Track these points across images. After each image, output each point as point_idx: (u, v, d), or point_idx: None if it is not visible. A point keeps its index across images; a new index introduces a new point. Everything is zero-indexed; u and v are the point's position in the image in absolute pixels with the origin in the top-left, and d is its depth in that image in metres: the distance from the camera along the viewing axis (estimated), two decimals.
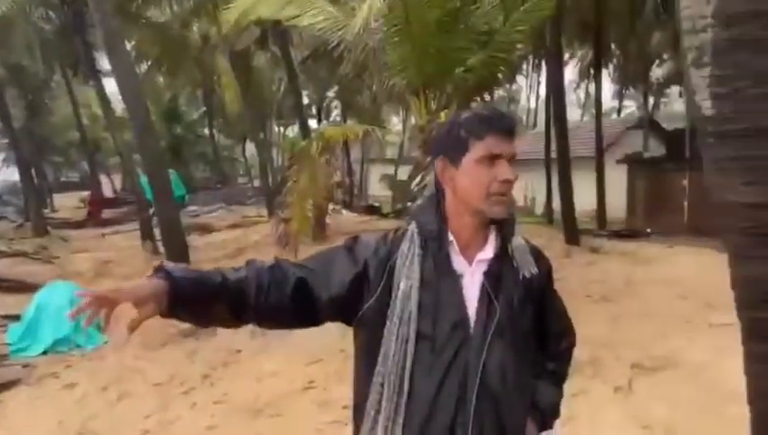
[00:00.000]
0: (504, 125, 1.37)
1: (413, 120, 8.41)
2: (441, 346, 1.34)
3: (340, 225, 13.26)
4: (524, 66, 23.74)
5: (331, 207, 14.33)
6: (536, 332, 1.52)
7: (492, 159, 1.35)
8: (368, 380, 1.38)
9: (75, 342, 6.39)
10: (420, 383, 1.34)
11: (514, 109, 38.61)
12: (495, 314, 1.37)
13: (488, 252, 1.41)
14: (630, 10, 14.53)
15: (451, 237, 1.41)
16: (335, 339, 5.30)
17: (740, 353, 2.25)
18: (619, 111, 28.13)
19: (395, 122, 33.53)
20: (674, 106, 31.32)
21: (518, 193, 21.48)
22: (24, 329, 6.53)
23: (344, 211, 17.06)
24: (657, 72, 23.67)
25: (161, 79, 22.00)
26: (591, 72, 19.64)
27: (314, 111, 28.07)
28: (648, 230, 13.67)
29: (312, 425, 4.13)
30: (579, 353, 1.78)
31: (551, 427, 1.60)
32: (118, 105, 14.19)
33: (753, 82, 1.91)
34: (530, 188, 21.07)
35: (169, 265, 1.31)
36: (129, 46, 13.20)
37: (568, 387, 1.73)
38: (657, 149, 19.91)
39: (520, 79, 30.17)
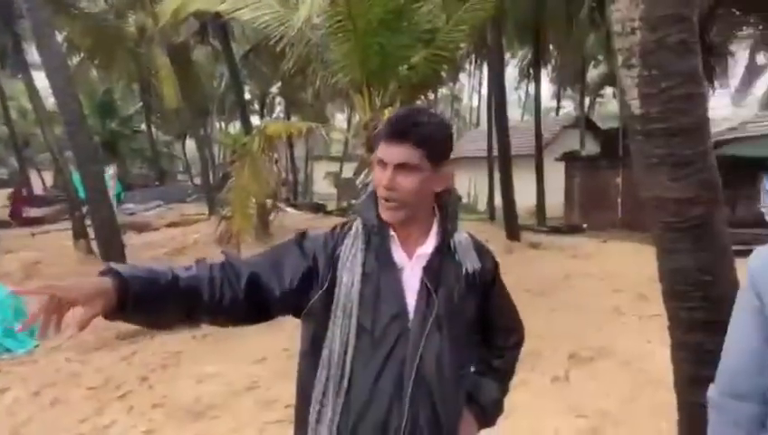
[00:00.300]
0: (391, 130, 1.36)
1: (358, 118, 8.41)
2: (380, 338, 1.36)
3: (284, 223, 13.11)
4: (468, 65, 24.13)
5: (273, 204, 14.18)
6: (480, 326, 1.55)
7: (381, 163, 1.37)
8: (312, 373, 1.38)
9: (4, 346, 6.08)
10: (360, 375, 1.35)
11: (458, 107, 39.25)
12: (434, 308, 1.39)
13: (428, 247, 1.43)
14: (567, 12, 15.01)
15: (392, 232, 1.42)
16: (279, 338, 5.25)
17: (669, 343, 2.36)
18: (557, 111, 29.02)
19: (340, 119, 33.47)
20: (609, 106, 32.59)
21: (462, 190, 21.93)
22: None
23: (289, 209, 16.88)
24: (592, 74, 24.55)
25: (95, 72, 21.16)
26: (531, 72, 20.17)
27: (257, 106, 27.65)
28: (585, 226, 14.19)
29: (256, 425, 4.08)
30: None
31: (493, 423, 1.62)
32: (48, 99, 13.58)
33: (677, 82, 2.01)
34: (473, 185, 21.49)
35: (117, 265, 1.26)
36: (60, 38, 12.74)
37: None
38: (593, 147, 20.70)
39: (464, 77, 30.74)
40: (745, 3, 14.09)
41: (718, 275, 2.11)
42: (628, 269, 8.05)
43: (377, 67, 6.50)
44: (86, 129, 9.94)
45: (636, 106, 2.06)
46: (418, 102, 7.83)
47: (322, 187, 29.06)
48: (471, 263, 1.46)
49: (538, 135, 16.08)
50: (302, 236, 1.47)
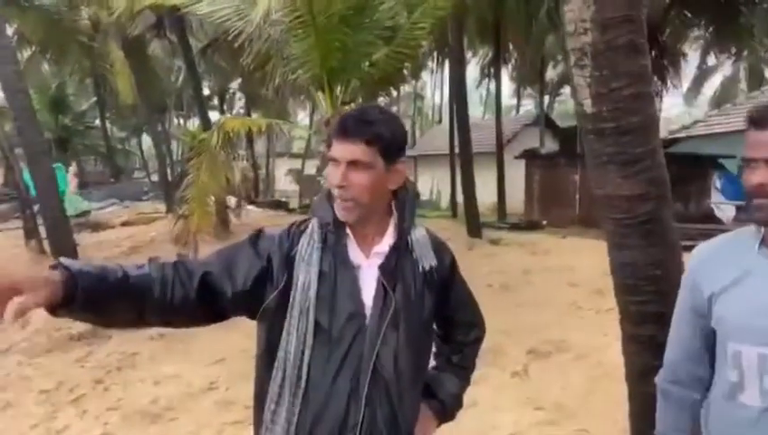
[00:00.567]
0: (343, 128, 1.37)
1: (319, 115, 8.36)
2: (337, 337, 1.35)
3: (244, 221, 12.94)
4: (430, 63, 24.26)
5: (235, 202, 13.97)
6: (438, 323, 1.55)
7: (334, 161, 1.38)
8: (269, 374, 1.37)
9: None
10: (317, 375, 1.34)
11: (420, 105, 39.41)
12: (391, 306, 1.38)
13: (385, 245, 1.43)
14: (527, 12, 15.25)
15: (348, 230, 1.41)
16: (238, 338, 5.17)
17: None
18: (517, 109, 29.40)
19: (302, 116, 33.19)
20: (568, 105, 33.18)
21: (425, 187, 22.07)
22: None
23: (249, 206, 16.67)
24: (552, 73, 24.99)
25: (47, 66, 20.46)
26: (492, 70, 20.40)
27: (217, 102, 27.18)
28: (544, 222, 14.44)
29: (214, 426, 4.03)
30: None
31: (453, 418, 1.63)
32: None
33: (627, 82, 2.06)
34: (435, 183, 21.65)
35: (66, 260, 1.22)
36: (9, 30, 12.34)
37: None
38: (552, 145, 21.10)
39: (426, 75, 30.87)
40: (697, 5, 14.55)
41: (668, 270, 2.18)
42: (585, 264, 8.22)
43: (338, 64, 6.47)
44: (36, 124, 9.62)
45: (588, 105, 2.10)
46: (380, 99, 7.84)
47: (284, 184, 28.80)
48: (428, 260, 1.47)
49: (499, 133, 16.30)
50: (257, 235, 1.45)
